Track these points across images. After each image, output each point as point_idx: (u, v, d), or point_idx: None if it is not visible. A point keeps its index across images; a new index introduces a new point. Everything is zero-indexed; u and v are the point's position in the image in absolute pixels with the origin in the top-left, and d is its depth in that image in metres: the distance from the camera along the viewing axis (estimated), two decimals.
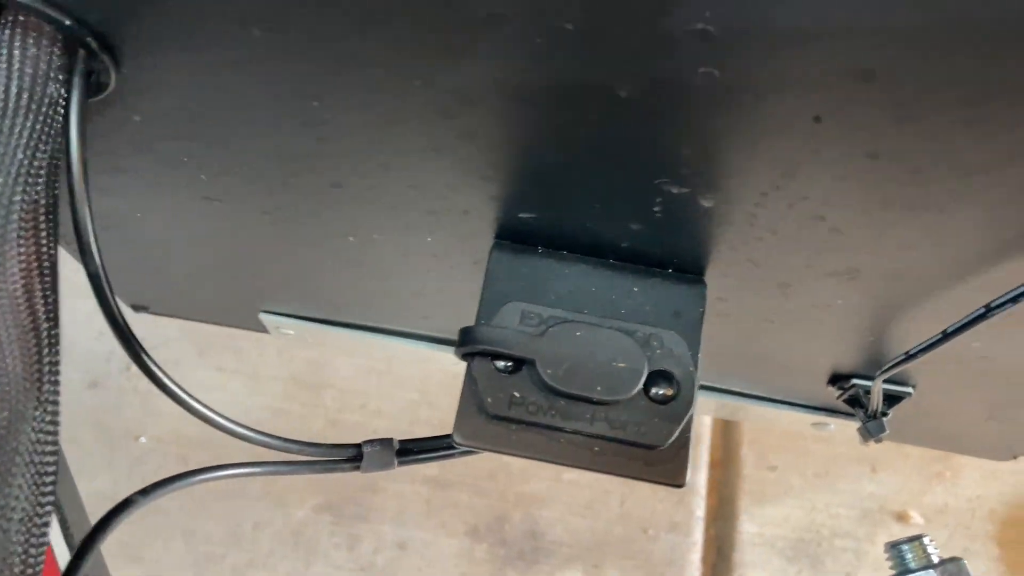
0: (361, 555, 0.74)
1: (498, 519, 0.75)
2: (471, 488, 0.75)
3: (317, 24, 0.25)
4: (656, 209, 0.32)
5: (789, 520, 0.76)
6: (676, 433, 0.33)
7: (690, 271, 0.35)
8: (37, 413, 0.26)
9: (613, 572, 0.74)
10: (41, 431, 0.26)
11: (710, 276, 0.35)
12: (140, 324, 0.71)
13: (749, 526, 0.76)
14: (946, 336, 0.33)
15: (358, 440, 0.72)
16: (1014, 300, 0.30)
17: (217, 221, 0.38)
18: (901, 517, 0.75)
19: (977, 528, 0.75)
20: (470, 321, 0.34)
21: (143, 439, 0.76)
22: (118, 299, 0.52)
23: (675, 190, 0.30)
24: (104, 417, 0.76)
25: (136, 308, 0.51)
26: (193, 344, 0.79)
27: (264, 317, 0.48)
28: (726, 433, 0.79)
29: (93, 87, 0.29)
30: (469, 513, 0.75)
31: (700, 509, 0.77)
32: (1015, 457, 0.49)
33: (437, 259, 0.39)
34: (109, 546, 0.71)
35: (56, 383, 0.27)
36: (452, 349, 0.34)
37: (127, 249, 0.43)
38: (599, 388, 0.32)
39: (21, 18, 0.27)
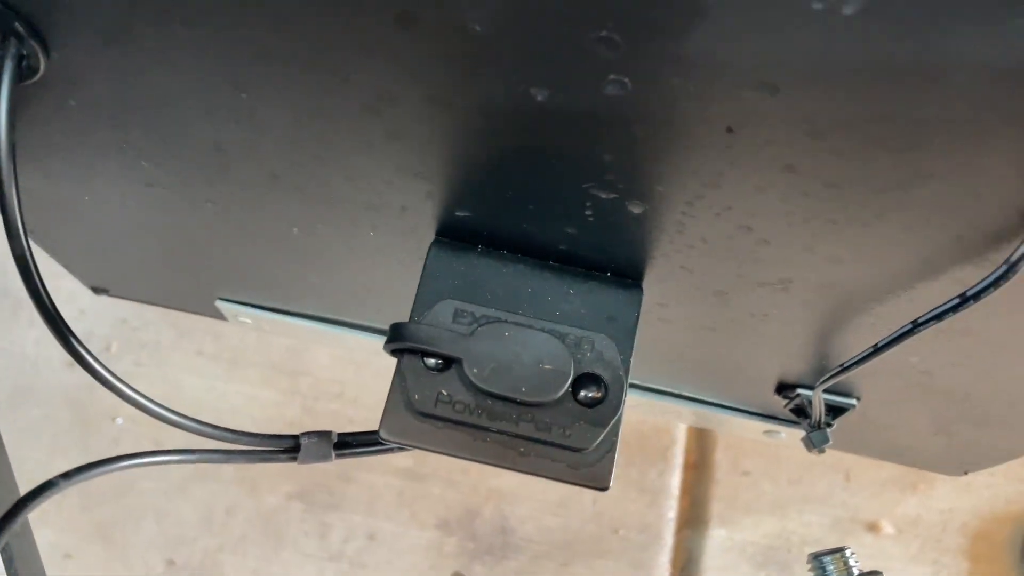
0: (331, 544, 0.74)
1: (469, 513, 0.75)
2: (444, 481, 0.75)
3: (233, 20, 0.25)
4: (588, 213, 0.32)
5: (760, 526, 0.75)
6: (601, 437, 0.33)
7: (627, 276, 0.35)
8: None
9: (582, 571, 0.74)
10: None
11: (648, 282, 0.35)
12: (123, 306, 0.72)
13: (720, 530, 0.76)
14: (877, 350, 0.33)
15: (332, 428, 0.71)
16: (939, 317, 0.30)
17: (163, 207, 0.38)
18: (873, 527, 0.75)
19: (948, 541, 0.75)
20: None
21: (119, 420, 0.76)
22: (79, 280, 0.52)
23: (603, 195, 0.30)
24: (81, 396, 0.76)
25: (96, 290, 0.51)
26: (173, 327, 0.79)
27: (220, 304, 0.48)
28: (701, 436, 0.78)
29: (25, 71, 0.30)
30: (440, 506, 0.75)
31: (672, 511, 0.76)
32: (966, 473, 0.49)
33: (382, 254, 0.39)
34: (79, 524, 0.72)
35: None
36: None
37: (82, 231, 0.43)
38: (524, 389, 0.32)
39: None
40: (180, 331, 0.79)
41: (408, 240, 0.37)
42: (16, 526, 0.30)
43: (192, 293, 0.49)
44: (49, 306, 0.30)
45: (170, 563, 0.72)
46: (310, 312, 0.47)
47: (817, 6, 0.20)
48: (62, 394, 0.77)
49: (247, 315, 0.48)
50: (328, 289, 0.44)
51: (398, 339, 0.33)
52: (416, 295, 0.34)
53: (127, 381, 0.33)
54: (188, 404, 0.76)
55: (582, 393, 0.33)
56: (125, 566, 0.72)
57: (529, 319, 0.34)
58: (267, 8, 0.25)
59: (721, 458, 0.77)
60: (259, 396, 0.77)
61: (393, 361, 0.34)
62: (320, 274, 0.42)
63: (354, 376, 0.78)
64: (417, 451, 0.34)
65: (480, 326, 0.33)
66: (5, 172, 0.29)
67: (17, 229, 0.29)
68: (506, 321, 0.34)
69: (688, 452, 0.78)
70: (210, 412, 0.76)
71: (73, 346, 0.31)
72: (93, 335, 0.78)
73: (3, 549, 0.31)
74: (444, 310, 0.34)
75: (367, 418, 0.76)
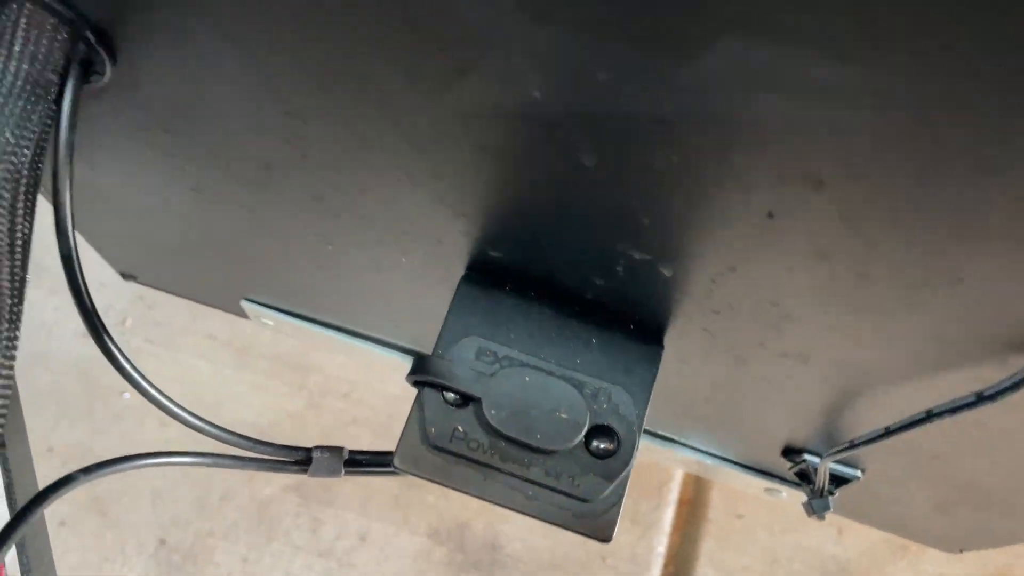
0: (322, 539, 0.75)
1: (460, 525, 0.75)
2: (439, 491, 0.76)
3: (294, 50, 0.26)
4: (619, 269, 0.32)
5: (748, 570, 0.76)
6: (609, 489, 0.33)
7: (649, 332, 0.36)
8: None
9: None
10: None
11: (669, 338, 0.36)
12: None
13: (707, 570, 0.76)
14: (888, 433, 0.33)
15: (334, 427, 0.71)
16: (953, 411, 0.30)
17: (202, 208, 0.39)
18: None
19: None
20: None
21: (127, 395, 0.77)
22: (110, 265, 0.53)
23: (636, 255, 0.31)
24: (92, 369, 0.77)
25: (125, 276, 0.52)
26: (188, 309, 0.80)
27: (246, 305, 0.49)
28: (698, 476, 0.79)
29: (91, 76, 0.30)
30: (433, 514, 0.75)
31: (662, 546, 0.77)
32: (962, 551, 0.49)
33: (411, 280, 0.39)
34: (78, 495, 0.73)
35: (12, 359, 0.28)
36: None
37: (118, 218, 0.44)
38: (539, 436, 0.33)
39: (27, 9, 0.28)
40: (194, 314, 0.80)
41: (438, 270, 0.37)
42: (36, 521, 0.30)
43: (219, 290, 0.50)
44: (88, 304, 0.31)
45: (161, 542, 0.73)
46: (333, 322, 0.48)
47: (867, 116, 0.20)
48: (74, 364, 0.77)
49: (270, 317, 0.49)
50: (353, 303, 0.45)
51: (421, 372, 0.33)
52: (442, 328, 0.35)
53: (137, 358, 0.33)
54: (193, 387, 0.77)
55: (595, 444, 0.34)
56: (117, 540, 0.73)
57: (550, 365, 0.34)
58: (325, 44, 0.25)
59: (716, 499, 0.78)
60: (265, 387, 0.78)
61: (400, 367, 0.35)
62: (348, 289, 0.43)
63: (363, 378, 0.78)
64: None
65: (502, 368, 0.34)
66: (62, 173, 0.29)
67: (66, 228, 0.30)
68: (528, 365, 0.34)
69: (684, 489, 0.78)
70: (214, 397, 0.76)
71: (105, 344, 0.31)
72: (111, 309, 0.79)
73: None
74: (468, 347, 0.35)
75: (370, 419, 0.77)
